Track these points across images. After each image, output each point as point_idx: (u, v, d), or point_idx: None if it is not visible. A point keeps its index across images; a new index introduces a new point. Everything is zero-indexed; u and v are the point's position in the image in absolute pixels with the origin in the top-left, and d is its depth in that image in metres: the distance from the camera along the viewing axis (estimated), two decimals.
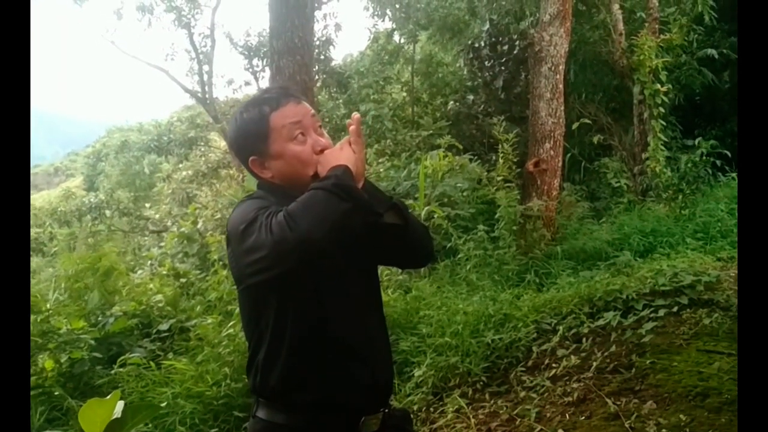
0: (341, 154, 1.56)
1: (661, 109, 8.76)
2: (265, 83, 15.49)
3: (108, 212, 15.08)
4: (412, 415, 3.59)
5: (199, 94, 16.82)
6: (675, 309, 4.18)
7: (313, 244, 1.37)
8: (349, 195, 1.45)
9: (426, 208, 6.42)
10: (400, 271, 5.63)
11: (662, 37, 9.19)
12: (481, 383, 3.82)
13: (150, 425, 3.55)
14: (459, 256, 6.10)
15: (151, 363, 4.43)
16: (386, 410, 1.67)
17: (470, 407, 3.59)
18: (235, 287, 5.95)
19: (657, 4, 9.49)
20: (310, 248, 1.38)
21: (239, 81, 16.66)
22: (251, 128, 1.65)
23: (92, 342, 4.69)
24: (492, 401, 3.62)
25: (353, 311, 1.62)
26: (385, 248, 1.73)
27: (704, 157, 7.99)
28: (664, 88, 8.77)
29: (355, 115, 1.59)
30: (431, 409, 3.69)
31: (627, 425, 3.00)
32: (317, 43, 12.60)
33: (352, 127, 1.57)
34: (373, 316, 1.71)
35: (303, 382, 1.57)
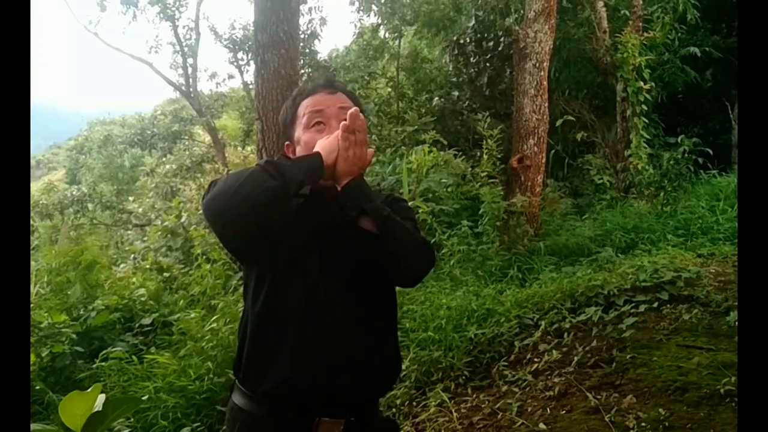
0: (322, 143, 1.56)
1: (644, 107, 8.85)
2: (249, 77, 15.40)
3: (90, 205, 14.92)
4: (394, 409, 3.62)
5: (183, 88, 16.68)
6: (655, 305, 4.23)
7: (216, 211, 1.41)
8: (280, 174, 1.41)
9: (410, 203, 6.43)
10: None
11: (646, 35, 9.26)
12: (464, 377, 3.84)
13: (132, 419, 3.54)
14: (443, 251, 6.11)
15: (134, 357, 4.41)
16: (352, 418, 1.57)
17: (453, 401, 3.61)
18: (218, 281, 5.95)
19: (641, 2, 9.56)
20: (213, 215, 1.43)
21: (223, 74, 16.53)
22: (284, 115, 1.76)
23: (74, 336, 4.67)
24: (474, 395, 3.65)
25: (318, 311, 1.54)
26: (361, 256, 1.58)
27: (686, 155, 8.07)
28: (647, 86, 8.85)
29: (351, 110, 1.51)
30: (414, 403, 3.71)
31: (607, 419, 3.03)
32: (302, 36, 12.53)
33: (343, 123, 1.51)
34: (353, 323, 1.58)
35: (262, 368, 1.55)
